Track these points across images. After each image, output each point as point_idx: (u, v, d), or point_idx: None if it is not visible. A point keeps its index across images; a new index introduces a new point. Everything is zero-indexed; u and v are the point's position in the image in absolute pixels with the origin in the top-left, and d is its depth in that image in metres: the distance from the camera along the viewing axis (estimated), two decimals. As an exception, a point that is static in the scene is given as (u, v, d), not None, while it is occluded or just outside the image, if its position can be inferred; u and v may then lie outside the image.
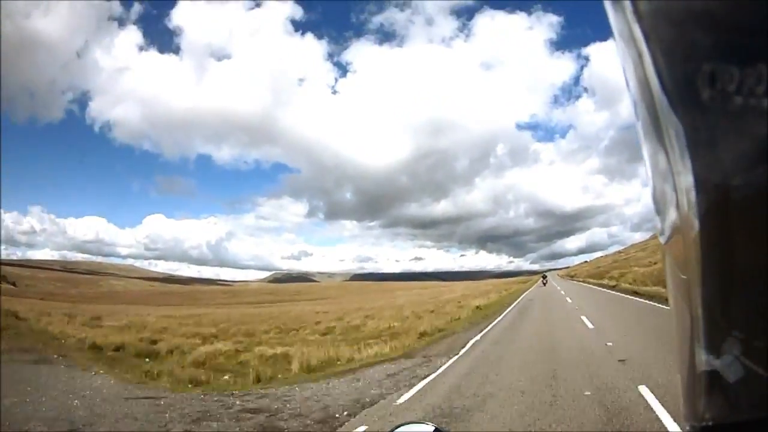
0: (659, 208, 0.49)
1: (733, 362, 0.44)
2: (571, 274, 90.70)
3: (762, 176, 0.39)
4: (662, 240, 0.51)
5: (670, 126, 0.43)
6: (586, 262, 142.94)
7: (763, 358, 0.42)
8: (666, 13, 0.43)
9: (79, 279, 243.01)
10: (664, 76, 0.43)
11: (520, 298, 34.08)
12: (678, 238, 0.46)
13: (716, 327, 0.44)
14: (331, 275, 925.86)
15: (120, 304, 63.25)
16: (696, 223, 0.42)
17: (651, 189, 0.50)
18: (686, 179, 0.43)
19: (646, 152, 0.49)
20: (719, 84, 0.40)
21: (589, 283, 55.19)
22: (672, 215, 0.46)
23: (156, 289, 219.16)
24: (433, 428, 1.22)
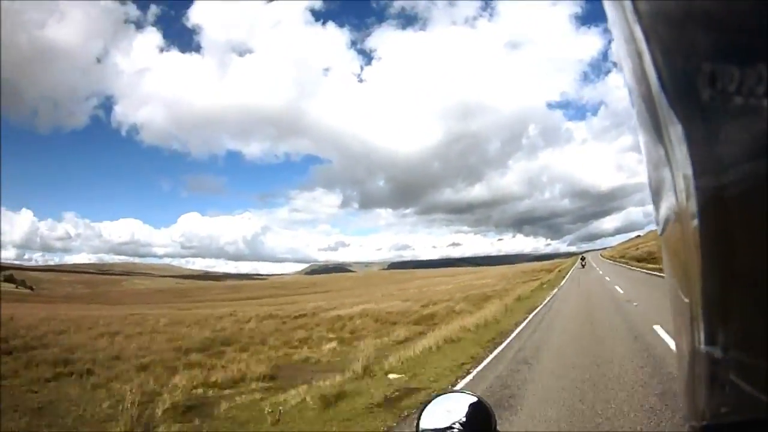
0: (658, 205, 0.50)
1: (733, 361, 0.43)
2: (620, 255, 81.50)
3: (761, 176, 0.39)
4: (662, 239, 0.51)
5: (670, 125, 0.43)
6: (639, 236, 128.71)
7: (764, 358, 0.42)
8: (666, 13, 0.43)
9: (104, 280, 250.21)
10: (664, 76, 0.43)
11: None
12: (677, 237, 0.46)
13: (716, 325, 0.44)
14: (368, 264, 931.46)
15: (125, 305, 64.96)
16: (696, 222, 0.42)
17: (649, 186, 0.51)
18: (686, 178, 0.43)
19: (645, 151, 0.49)
20: (719, 84, 0.40)
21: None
22: (671, 212, 0.46)
23: (178, 287, 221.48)
24: (476, 398, 1.24)
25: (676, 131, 0.43)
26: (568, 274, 45.91)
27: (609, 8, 0.48)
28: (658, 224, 0.51)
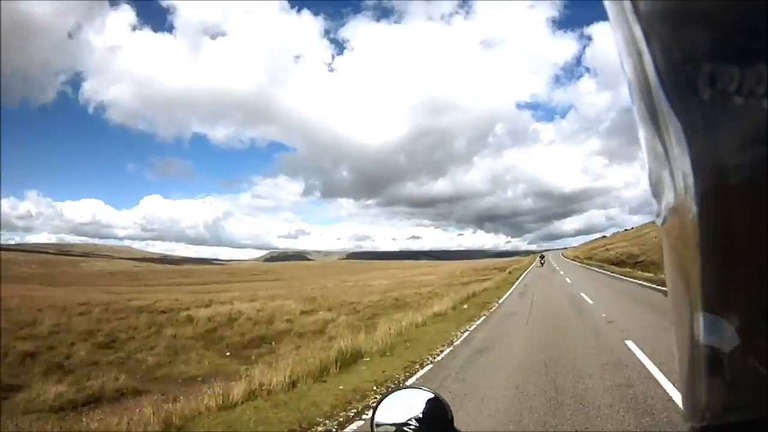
0: (658, 203, 0.49)
1: (732, 361, 0.43)
2: (585, 255, 69.01)
3: (762, 176, 0.39)
4: (662, 239, 0.51)
5: (670, 125, 0.43)
6: (605, 236, 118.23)
7: (764, 357, 0.42)
8: (666, 13, 0.43)
9: (63, 261, 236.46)
10: (664, 75, 0.43)
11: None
12: (677, 237, 0.46)
13: (715, 323, 0.43)
14: (327, 254, 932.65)
15: (76, 287, 60.67)
16: (695, 222, 0.42)
17: (649, 185, 0.51)
18: (686, 177, 0.43)
19: (645, 150, 0.49)
20: (719, 84, 0.40)
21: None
22: (671, 211, 0.46)
23: (134, 269, 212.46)
24: (433, 395, 1.21)
25: (676, 130, 0.43)
26: (519, 280, 33.30)
27: (609, 8, 0.48)
28: (658, 222, 0.50)
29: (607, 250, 61.61)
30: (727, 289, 0.43)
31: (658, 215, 0.50)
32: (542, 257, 68.15)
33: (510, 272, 46.90)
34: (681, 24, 0.42)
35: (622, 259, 41.26)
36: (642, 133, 0.49)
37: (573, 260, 68.17)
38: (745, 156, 0.40)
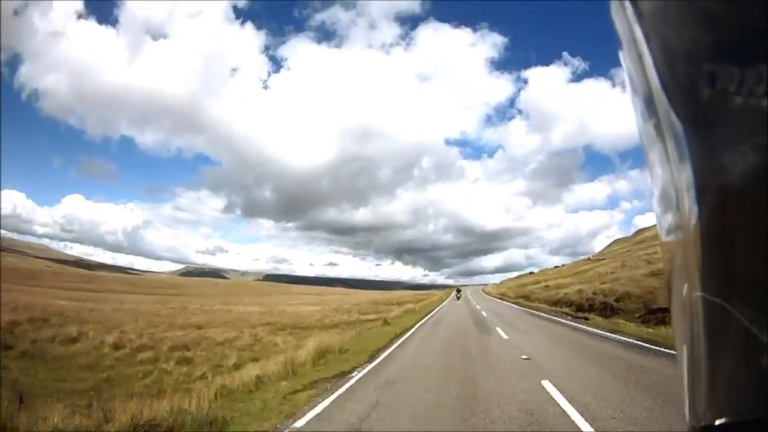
0: (659, 207, 0.49)
1: (733, 361, 0.43)
2: (516, 294, 52.02)
3: (762, 175, 0.39)
4: (662, 239, 0.50)
5: (671, 125, 0.43)
6: (532, 273, 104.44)
7: (764, 358, 0.41)
8: (666, 13, 0.43)
9: None
10: (664, 76, 0.43)
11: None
12: (678, 237, 0.46)
13: (717, 327, 0.43)
14: (243, 273, 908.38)
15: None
16: (696, 223, 0.42)
17: (651, 188, 0.50)
18: (686, 178, 0.42)
19: (646, 150, 0.49)
20: (719, 84, 0.40)
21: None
22: (672, 214, 0.46)
23: (40, 270, 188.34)
24: None
25: (676, 131, 0.42)
26: (421, 324, 19.99)
27: (610, 9, 0.48)
28: (661, 232, 0.50)
29: (547, 287, 44.91)
30: (728, 289, 0.42)
31: (661, 232, 0.49)
32: (459, 291, 65.23)
33: (416, 309, 35.01)
34: (681, 24, 0.42)
35: (592, 302, 23.49)
36: (643, 139, 0.48)
37: (499, 299, 51.34)
38: (746, 155, 0.39)
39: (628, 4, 0.45)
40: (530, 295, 42.87)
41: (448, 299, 49.73)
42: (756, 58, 0.39)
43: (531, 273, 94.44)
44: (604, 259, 75.05)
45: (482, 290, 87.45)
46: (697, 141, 0.42)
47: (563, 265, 78.70)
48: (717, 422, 0.45)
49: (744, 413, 0.44)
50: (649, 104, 0.45)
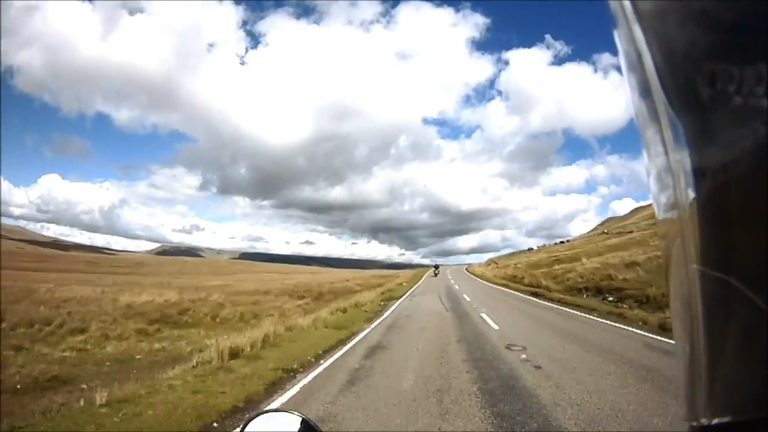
0: (658, 205, 0.49)
1: (733, 361, 0.43)
2: (531, 278, 35.94)
3: (761, 175, 0.39)
4: (659, 227, 0.51)
5: (670, 125, 0.43)
6: (531, 249, 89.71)
7: (763, 358, 0.41)
8: (666, 13, 0.43)
9: None
10: (664, 76, 0.43)
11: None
12: (677, 234, 0.46)
13: (715, 324, 0.43)
14: (219, 252, 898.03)
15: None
16: (695, 222, 0.42)
17: (651, 186, 0.51)
18: (686, 178, 0.43)
19: (646, 150, 0.49)
20: (719, 84, 0.40)
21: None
22: (671, 213, 0.46)
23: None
24: (300, 418, 1.20)
25: (676, 131, 0.43)
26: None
27: (609, 8, 0.48)
28: (658, 223, 0.50)
29: (564, 271, 31.64)
30: (728, 293, 0.42)
31: (659, 222, 0.50)
32: (437, 268, 62.71)
33: (382, 292, 27.17)
34: (681, 24, 0.42)
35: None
36: (642, 133, 0.48)
37: (496, 284, 34.69)
38: (745, 155, 0.40)
39: (627, 4, 0.45)
40: (538, 284, 28.74)
41: (418, 284, 37.47)
42: (756, 58, 0.39)
43: (530, 249, 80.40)
44: (631, 232, 61.25)
45: (466, 270, 73.36)
46: (697, 141, 0.42)
47: (566, 240, 65.59)
48: (717, 422, 0.44)
49: (744, 413, 0.43)
50: (648, 104, 0.45)
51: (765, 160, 0.39)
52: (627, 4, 0.45)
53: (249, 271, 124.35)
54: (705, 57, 0.41)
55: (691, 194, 0.42)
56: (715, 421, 0.44)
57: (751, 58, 0.39)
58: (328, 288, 34.64)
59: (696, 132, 0.42)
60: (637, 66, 0.45)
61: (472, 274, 58.14)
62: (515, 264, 52.93)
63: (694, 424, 0.46)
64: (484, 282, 39.03)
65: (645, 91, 0.45)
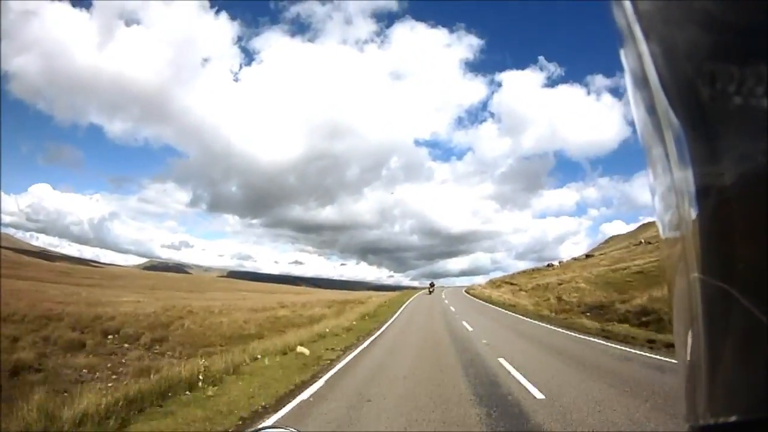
0: (659, 207, 0.49)
1: (733, 361, 0.43)
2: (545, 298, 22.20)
3: (761, 176, 0.39)
4: (662, 239, 0.50)
5: (670, 126, 0.43)
6: (552, 266, 65.84)
7: (763, 358, 0.41)
8: (666, 13, 0.43)
9: None
10: (664, 76, 0.43)
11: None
12: (678, 237, 0.46)
13: (716, 324, 0.43)
14: (207, 269, 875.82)
15: None
16: (695, 223, 0.42)
17: (651, 188, 0.50)
18: (686, 178, 0.42)
19: (646, 150, 0.49)
20: (719, 84, 0.40)
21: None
22: (672, 214, 0.46)
23: None
24: None
25: (676, 131, 0.42)
26: None
27: (609, 8, 0.48)
28: (659, 224, 0.50)
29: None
30: (729, 294, 0.42)
31: (661, 231, 0.49)
32: (432, 285, 62.34)
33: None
34: (681, 24, 0.42)
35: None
36: (645, 148, 0.48)
37: (517, 313, 22.25)
38: (745, 155, 0.39)
39: (628, 4, 0.45)
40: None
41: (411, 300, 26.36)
42: (756, 58, 0.39)
43: (550, 265, 63.47)
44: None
45: (469, 294, 56.36)
46: (698, 141, 0.41)
47: (591, 255, 49.86)
48: (717, 422, 0.44)
49: (744, 413, 0.43)
50: (648, 104, 0.45)
51: (765, 160, 0.38)
52: (627, 4, 0.44)
53: (229, 290, 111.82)
54: (705, 57, 0.41)
55: (695, 207, 0.42)
56: (715, 421, 0.44)
57: (751, 58, 0.39)
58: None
59: (697, 133, 0.41)
60: (637, 67, 0.45)
61: (473, 296, 42.34)
62: (552, 284, 36.44)
63: (695, 424, 0.46)
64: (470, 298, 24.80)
65: (645, 92, 0.45)
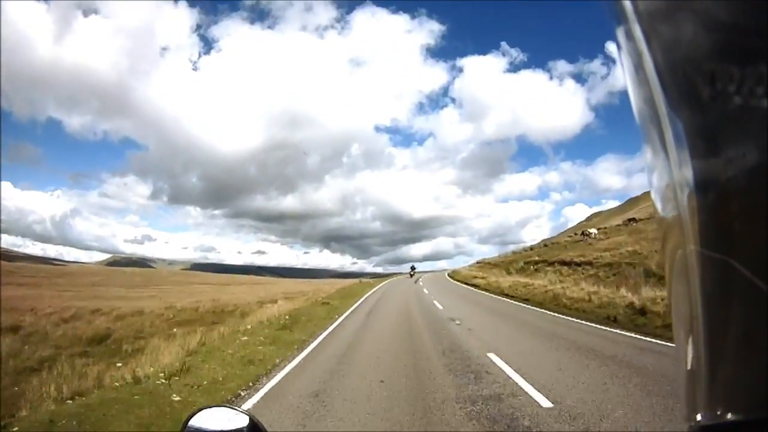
0: (659, 206, 0.49)
1: (732, 361, 0.43)
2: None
3: (761, 176, 0.39)
4: (659, 227, 0.50)
5: (670, 126, 0.43)
6: (590, 235, 42.25)
7: (763, 358, 0.41)
8: (666, 13, 0.43)
9: None
10: (664, 76, 0.43)
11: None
12: (678, 236, 0.46)
13: (715, 324, 0.43)
14: (171, 263, 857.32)
15: None
16: (695, 222, 0.42)
17: (651, 187, 0.50)
18: (686, 178, 0.42)
19: (646, 151, 0.49)
20: (719, 84, 0.40)
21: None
22: (672, 213, 0.46)
23: None
24: (248, 416, 1.18)
25: (676, 131, 0.43)
26: None
27: (609, 8, 0.48)
28: (661, 231, 0.50)
29: None
30: (728, 293, 0.42)
31: (661, 231, 0.49)
32: (413, 268, 61.12)
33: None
34: (681, 24, 0.42)
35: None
36: (646, 147, 0.48)
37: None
38: (745, 155, 0.39)
39: (628, 4, 0.45)
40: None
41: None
42: (756, 58, 0.39)
43: (531, 248, 53.01)
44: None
45: (448, 276, 47.93)
46: (697, 141, 0.42)
47: (587, 234, 40.94)
48: (717, 422, 0.44)
49: (744, 413, 0.43)
50: (648, 104, 0.45)
51: (765, 160, 0.38)
52: (627, 4, 0.44)
53: (184, 283, 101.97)
54: (705, 57, 0.41)
55: (692, 196, 0.42)
56: (715, 421, 0.44)
57: (751, 58, 0.39)
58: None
59: (697, 133, 0.42)
60: (637, 66, 0.45)
61: (458, 282, 34.51)
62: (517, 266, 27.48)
63: (694, 424, 0.46)
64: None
65: (645, 92, 0.45)
